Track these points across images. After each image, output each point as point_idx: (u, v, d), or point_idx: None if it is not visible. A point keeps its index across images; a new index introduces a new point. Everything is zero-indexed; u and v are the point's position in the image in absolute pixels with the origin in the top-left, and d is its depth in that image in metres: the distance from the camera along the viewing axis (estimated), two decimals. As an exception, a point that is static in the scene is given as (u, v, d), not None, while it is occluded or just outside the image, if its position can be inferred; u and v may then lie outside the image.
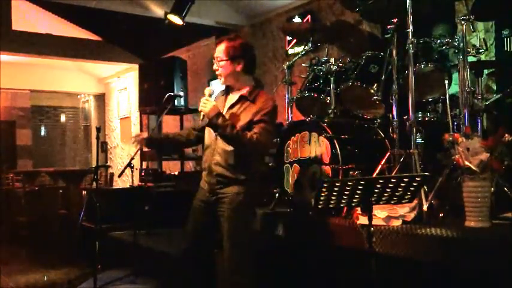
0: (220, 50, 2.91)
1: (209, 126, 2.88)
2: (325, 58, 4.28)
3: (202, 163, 3.04)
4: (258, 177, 2.97)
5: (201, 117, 2.91)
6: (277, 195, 3.90)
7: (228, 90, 3.04)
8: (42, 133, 12.44)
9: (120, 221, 5.39)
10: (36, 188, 8.60)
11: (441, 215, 2.90)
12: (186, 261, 3.05)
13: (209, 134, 2.97)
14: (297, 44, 6.54)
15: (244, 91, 2.95)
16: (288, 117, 4.48)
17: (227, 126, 2.77)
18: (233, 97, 2.98)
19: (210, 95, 2.88)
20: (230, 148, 2.84)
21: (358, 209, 2.89)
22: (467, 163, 2.69)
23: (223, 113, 2.86)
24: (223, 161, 2.87)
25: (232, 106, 2.94)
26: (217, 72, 2.95)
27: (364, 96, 3.76)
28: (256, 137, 2.78)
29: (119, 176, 3.64)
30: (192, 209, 3.05)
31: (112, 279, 4.66)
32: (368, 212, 2.28)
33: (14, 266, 5.71)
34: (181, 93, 6.26)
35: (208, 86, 7.76)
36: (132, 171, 5.02)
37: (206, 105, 2.80)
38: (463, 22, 3.32)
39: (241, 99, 2.93)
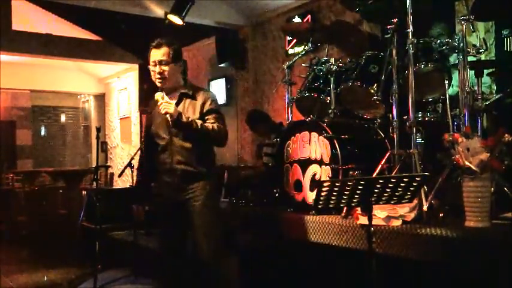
0: (163, 53, 2.97)
1: (175, 126, 2.92)
2: (325, 58, 4.28)
3: (159, 165, 3.08)
4: (215, 170, 3.20)
5: (169, 118, 2.90)
6: (277, 195, 3.89)
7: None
8: (42, 133, 12.44)
9: (120, 221, 5.39)
10: (36, 188, 8.61)
11: (441, 215, 2.90)
12: (178, 262, 3.09)
13: (161, 136, 3.03)
14: (297, 44, 6.53)
15: (183, 90, 3.05)
16: (288, 117, 4.47)
17: (192, 121, 2.89)
18: (172, 97, 3.03)
19: (163, 98, 2.93)
20: (188, 145, 2.96)
21: (358, 209, 2.89)
22: (467, 163, 2.68)
23: None
24: (184, 158, 2.98)
25: (177, 103, 3.01)
26: (160, 76, 2.98)
27: (364, 96, 3.76)
28: (217, 125, 2.95)
29: (119, 176, 3.65)
30: (161, 212, 3.13)
31: (112, 279, 4.67)
32: (368, 212, 2.28)
33: (14, 266, 5.71)
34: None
35: (208, 85, 7.83)
36: (132, 171, 5.02)
37: (169, 106, 2.87)
38: (463, 22, 3.32)
39: (182, 96, 3.04)
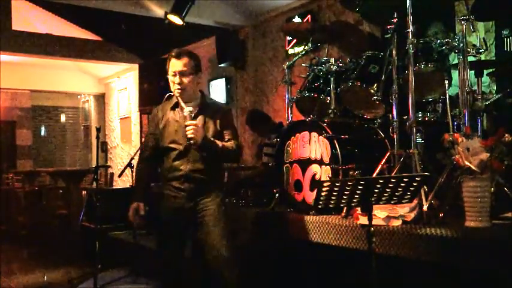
0: (185, 64, 2.95)
1: (201, 150, 2.91)
2: (325, 58, 4.28)
3: (170, 171, 3.01)
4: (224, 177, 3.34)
5: (192, 142, 2.85)
6: (277, 195, 3.90)
7: (176, 102, 3.04)
8: (42, 133, 12.45)
9: (120, 221, 5.39)
10: (36, 188, 8.62)
11: (441, 215, 2.90)
12: (179, 264, 3.09)
13: (178, 143, 2.97)
14: (297, 44, 6.54)
15: (198, 101, 3.05)
16: (288, 117, 4.47)
17: (217, 145, 2.91)
18: (188, 107, 2.96)
19: (191, 117, 2.89)
20: (206, 154, 2.95)
21: (358, 209, 2.89)
22: (467, 163, 2.68)
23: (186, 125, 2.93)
24: (203, 167, 2.97)
25: (195, 117, 2.97)
26: (179, 86, 2.93)
27: (364, 96, 3.76)
28: (235, 144, 3.01)
29: (119, 176, 3.65)
30: (167, 217, 3.05)
31: (112, 279, 4.68)
32: (368, 212, 2.28)
33: (14, 266, 5.71)
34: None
35: (208, 85, 7.84)
36: (132, 171, 5.02)
37: (197, 132, 2.82)
38: (463, 22, 3.32)
39: (202, 109, 3.01)
